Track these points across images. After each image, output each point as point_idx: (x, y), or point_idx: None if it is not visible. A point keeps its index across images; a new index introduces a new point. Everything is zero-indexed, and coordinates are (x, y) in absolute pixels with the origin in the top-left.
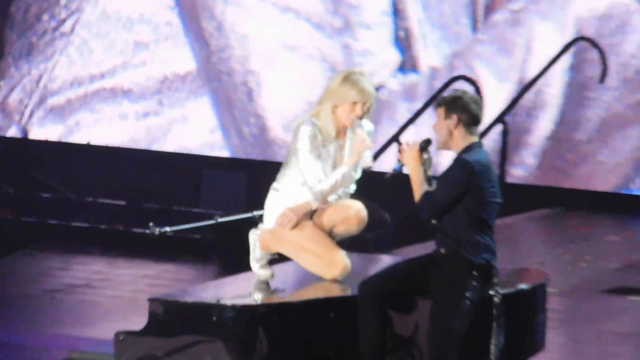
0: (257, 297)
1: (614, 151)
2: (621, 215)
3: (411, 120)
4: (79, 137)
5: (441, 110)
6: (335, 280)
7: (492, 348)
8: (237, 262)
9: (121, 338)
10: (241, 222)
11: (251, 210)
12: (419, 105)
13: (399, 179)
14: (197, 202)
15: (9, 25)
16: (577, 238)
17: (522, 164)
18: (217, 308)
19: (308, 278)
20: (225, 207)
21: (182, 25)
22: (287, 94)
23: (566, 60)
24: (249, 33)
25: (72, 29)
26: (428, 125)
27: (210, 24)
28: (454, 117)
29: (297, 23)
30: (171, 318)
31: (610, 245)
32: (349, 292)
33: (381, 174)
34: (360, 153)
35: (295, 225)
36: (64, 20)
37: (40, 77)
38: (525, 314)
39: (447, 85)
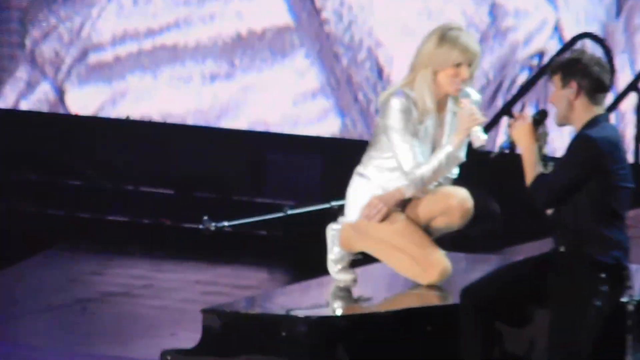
0: (336, 307)
1: None
2: None
3: (524, 89)
4: (125, 106)
5: (557, 78)
6: (432, 286)
7: None
8: (312, 263)
9: (169, 358)
10: (316, 214)
11: (328, 200)
12: None
13: (511, 160)
14: (261, 190)
15: None
16: None
17: None
18: (287, 321)
19: (399, 283)
20: (296, 196)
21: None
22: None
23: None
24: None
25: None
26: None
27: None
28: (573, 85)
29: None
30: (230, 333)
31: None
32: (449, 301)
33: (487, 154)
34: (467, 129)
35: (385, 218)
36: None
37: (82, 26)
38: None
39: (567, 46)
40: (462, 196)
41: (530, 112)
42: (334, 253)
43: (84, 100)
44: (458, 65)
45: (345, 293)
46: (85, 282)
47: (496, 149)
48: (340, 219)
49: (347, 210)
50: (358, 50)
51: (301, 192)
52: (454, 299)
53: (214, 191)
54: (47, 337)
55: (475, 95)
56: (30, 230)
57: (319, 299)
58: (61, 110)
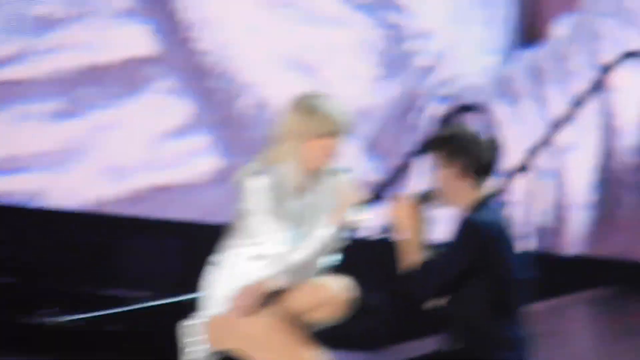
0: None
1: None
2: None
3: (401, 171)
4: None
5: (439, 155)
6: None
7: None
8: None
9: None
10: (173, 308)
11: (188, 291)
12: None
13: (394, 245)
14: (109, 279)
15: None
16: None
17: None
18: None
19: None
20: (149, 287)
21: None
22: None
23: None
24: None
25: None
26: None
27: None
28: (457, 164)
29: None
30: None
31: None
32: None
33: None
34: (345, 207)
35: (253, 312)
36: None
37: None
38: None
39: (448, 117)
40: (342, 286)
41: (414, 191)
42: (190, 351)
43: None
44: (327, 135)
45: None
46: None
47: (377, 232)
48: (198, 314)
49: (207, 303)
50: (233, 82)
51: (155, 283)
52: None
53: (57, 280)
54: None
55: (348, 169)
56: None
57: None
58: None
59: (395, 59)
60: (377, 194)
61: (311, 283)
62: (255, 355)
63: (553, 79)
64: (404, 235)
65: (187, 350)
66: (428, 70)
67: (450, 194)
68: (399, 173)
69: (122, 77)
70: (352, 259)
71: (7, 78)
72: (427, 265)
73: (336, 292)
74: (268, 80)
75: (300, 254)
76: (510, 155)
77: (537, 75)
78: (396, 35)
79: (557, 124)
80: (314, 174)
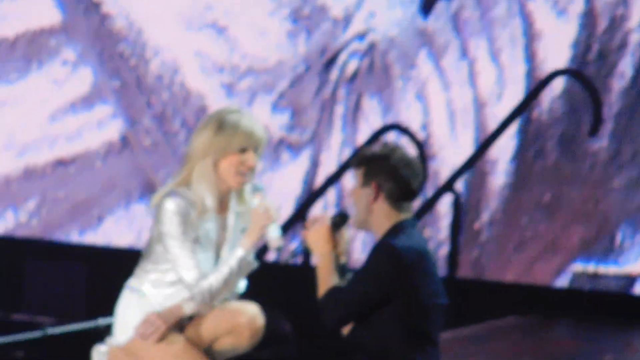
0: None
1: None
2: (622, 323)
3: (323, 189)
4: None
5: (359, 173)
6: None
7: None
8: None
9: None
10: (81, 334)
11: (95, 317)
12: None
13: (306, 270)
14: (18, 304)
15: None
16: (559, 357)
17: (481, 250)
18: None
19: None
20: (58, 312)
21: None
22: None
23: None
24: None
25: None
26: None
27: None
28: (374, 186)
29: None
30: None
31: None
32: None
33: (277, 263)
34: (262, 228)
35: (161, 339)
36: None
37: None
38: None
39: (376, 135)
40: (252, 313)
41: (329, 214)
42: None
43: None
44: (242, 150)
45: None
46: None
47: (290, 255)
48: (109, 340)
49: (116, 329)
50: (144, 49)
51: (63, 307)
52: None
53: None
54: None
55: (260, 187)
56: None
57: None
58: None
59: (308, 13)
60: (300, 213)
61: (221, 309)
62: None
63: (475, 30)
64: (318, 259)
65: None
66: (342, 23)
67: (364, 215)
68: (321, 192)
69: (25, 50)
70: (261, 284)
71: None
72: (338, 291)
73: (247, 319)
74: (176, 42)
75: (215, 279)
76: (436, 120)
77: (457, 26)
78: None
79: (484, 145)
80: (231, 193)
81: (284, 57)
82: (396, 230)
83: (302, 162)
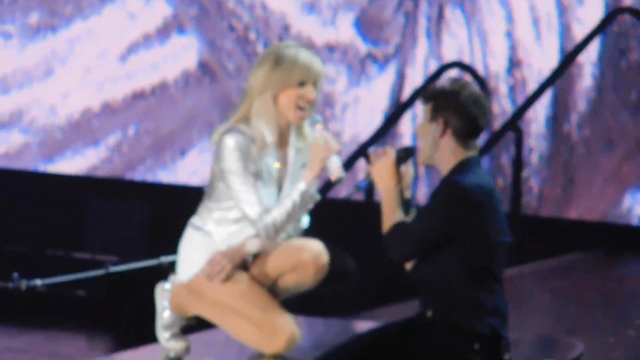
0: None
1: None
2: None
3: (387, 125)
4: None
5: (427, 108)
6: (278, 356)
7: None
8: (138, 329)
9: None
10: (143, 272)
11: (157, 255)
12: None
13: (368, 207)
14: (79, 243)
15: None
16: (624, 295)
17: (544, 188)
18: None
19: (239, 353)
20: (120, 250)
21: None
22: None
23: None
24: None
25: None
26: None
27: None
28: (441, 122)
29: None
30: None
31: None
32: None
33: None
34: (323, 160)
35: (227, 278)
36: None
37: None
38: None
39: (437, 74)
40: (316, 250)
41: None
42: (164, 317)
43: None
44: (301, 84)
45: None
46: None
47: (353, 188)
48: (172, 278)
49: (180, 267)
50: None
51: (126, 246)
52: None
53: (25, 244)
54: None
55: (319, 119)
56: None
57: None
58: None
59: None
60: (364, 148)
61: (285, 247)
62: (226, 323)
63: None
64: (382, 193)
65: (161, 314)
66: None
67: (430, 151)
68: (386, 128)
69: None
70: (324, 221)
71: None
72: (404, 227)
73: (311, 256)
74: None
75: (278, 213)
76: (520, 27)
77: None
78: None
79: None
80: (291, 129)
81: None
82: (462, 167)
83: (388, 75)
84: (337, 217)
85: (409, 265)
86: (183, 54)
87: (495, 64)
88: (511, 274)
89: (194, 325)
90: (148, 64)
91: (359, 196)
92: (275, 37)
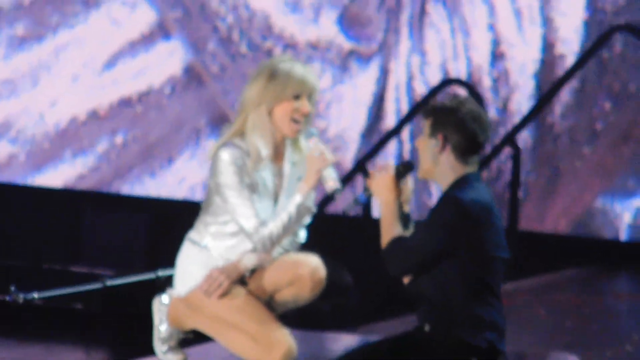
0: None
1: None
2: None
3: (384, 141)
4: None
5: (427, 123)
6: None
7: None
8: (135, 342)
9: None
10: (140, 286)
11: (155, 269)
12: None
13: (366, 221)
14: (77, 256)
15: None
16: (620, 309)
17: (541, 204)
18: None
19: None
20: (117, 264)
21: None
22: None
23: None
24: None
25: None
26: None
27: None
28: (440, 137)
29: None
30: None
31: None
32: None
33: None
34: (318, 172)
35: (223, 292)
36: None
37: None
38: None
39: (435, 90)
40: (314, 264)
41: (393, 162)
42: (162, 331)
43: None
44: (296, 97)
45: None
46: None
47: (351, 203)
48: (169, 292)
49: (177, 281)
50: None
51: (123, 260)
52: None
53: (22, 258)
54: None
55: (314, 132)
56: None
57: None
58: None
59: None
60: (361, 164)
61: (283, 261)
62: (224, 337)
63: None
64: (382, 207)
65: (159, 327)
66: None
67: (429, 166)
68: (384, 142)
69: None
70: (322, 236)
71: None
72: (403, 241)
73: (308, 270)
74: None
75: (274, 226)
76: (502, 20)
77: None
78: None
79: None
80: (286, 142)
81: None
82: (461, 183)
83: (372, 72)
84: (334, 231)
85: (406, 280)
86: (169, 59)
87: (478, 58)
88: (508, 289)
89: (191, 339)
90: (134, 70)
91: (357, 211)
92: (258, 37)
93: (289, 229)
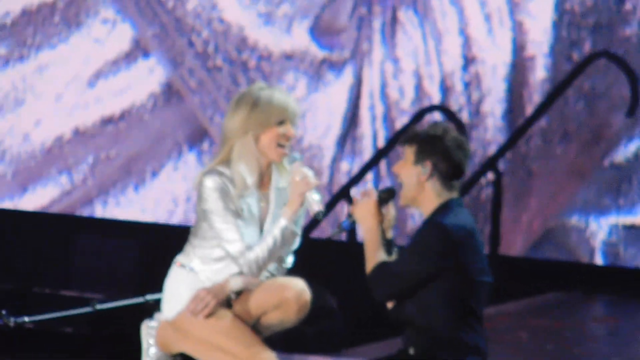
0: None
1: None
2: None
3: (367, 168)
4: None
5: (410, 150)
6: None
7: None
8: None
9: None
10: (129, 310)
11: (143, 293)
12: None
13: (351, 246)
14: (67, 281)
15: None
16: (601, 333)
17: (523, 228)
18: None
19: None
20: (106, 288)
21: None
22: None
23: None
24: None
25: None
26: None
27: None
28: (428, 165)
29: None
30: None
31: None
32: None
33: (325, 242)
34: (301, 195)
35: (209, 315)
36: None
37: None
38: None
39: (417, 117)
40: (299, 288)
41: (376, 188)
42: (150, 355)
43: None
44: (280, 123)
45: None
46: None
47: (336, 228)
48: (157, 315)
49: (165, 305)
50: None
51: (112, 284)
52: None
53: (12, 281)
54: None
55: (298, 157)
56: None
57: None
58: None
59: None
60: (345, 190)
61: (269, 285)
62: (210, 359)
63: None
64: (365, 233)
65: (147, 351)
66: None
67: (414, 193)
68: (367, 169)
69: (64, 13)
70: (307, 260)
71: None
72: (387, 267)
73: (294, 294)
74: None
75: (260, 250)
76: (472, 23)
77: None
78: None
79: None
80: (272, 169)
81: None
82: (444, 208)
83: (346, 80)
84: (320, 256)
85: (390, 304)
86: (149, 75)
87: (450, 63)
88: (489, 313)
89: None
90: (116, 88)
91: (342, 236)
92: (234, 49)
93: (274, 252)
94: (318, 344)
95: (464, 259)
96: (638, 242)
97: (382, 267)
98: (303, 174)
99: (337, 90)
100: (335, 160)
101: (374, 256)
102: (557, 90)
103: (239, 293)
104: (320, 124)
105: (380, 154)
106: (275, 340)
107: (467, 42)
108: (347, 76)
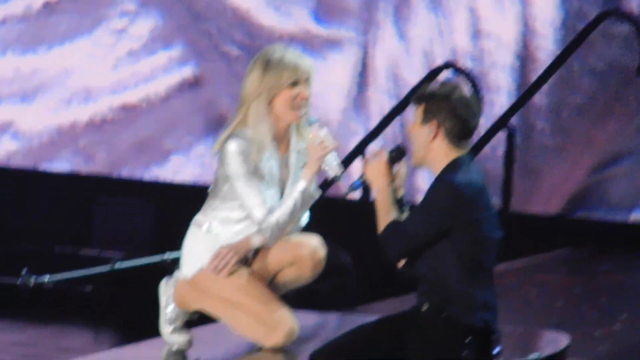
0: None
1: None
2: None
3: (382, 126)
4: None
5: (419, 110)
6: (277, 349)
7: None
8: (142, 323)
9: None
10: (148, 268)
11: (162, 252)
12: None
13: (364, 205)
14: (87, 240)
15: None
16: (610, 289)
17: (534, 186)
18: None
19: (240, 346)
20: (126, 247)
21: None
22: None
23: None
24: None
25: None
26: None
27: None
28: (434, 124)
29: None
30: None
31: None
32: None
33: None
34: (320, 158)
35: (227, 273)
36: None
37: None
38: None
39: (432, 75)
40: (314, 245)
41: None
42: (168, 312)
43: None
44: (294, 84)
45: (178, 357)
46: None
47: (348, 188)
48: (176, 274)
49: (183, 264)
50: None
51: (131, 243)
52: None
53: (33, 242)
54: None
55: (315, 119)
56: None
57: None
58: None
59: None
60: (359, 149)
61: (285, 242)
62: (228, 317)
63: None
64: (376, 193)
65: (165, 308)
66: None
67: (423, 152)
68: (380, 129)
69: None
70: (322, 218)
71: None
72: (399, 225)
73: (309, 251)
74: None
75: (281, 212)
76: None
77: None
78: None
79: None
80: (291, 131)
81: None
82: (454, 166)
83: (354, 57)
84: (335, 214)
85: (401, 263)
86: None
87: (459, 39)
88: (499, 269)
89: (196, 320)
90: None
91: (357, 194)
92: (243, 36)
93: (295, 214)
94: (332, 300)
95: (474, 216)
96: None
97: (393, 225)
98: (320, 138)
99: (344, 68)
100: (342, 139)
101: (385, 216)
102: (568, 49)
103: (255, 252)
104: (328, 104)
105: (395, 112)
106: (290, 297)
107: (476, 19)
108: (356, 55)
